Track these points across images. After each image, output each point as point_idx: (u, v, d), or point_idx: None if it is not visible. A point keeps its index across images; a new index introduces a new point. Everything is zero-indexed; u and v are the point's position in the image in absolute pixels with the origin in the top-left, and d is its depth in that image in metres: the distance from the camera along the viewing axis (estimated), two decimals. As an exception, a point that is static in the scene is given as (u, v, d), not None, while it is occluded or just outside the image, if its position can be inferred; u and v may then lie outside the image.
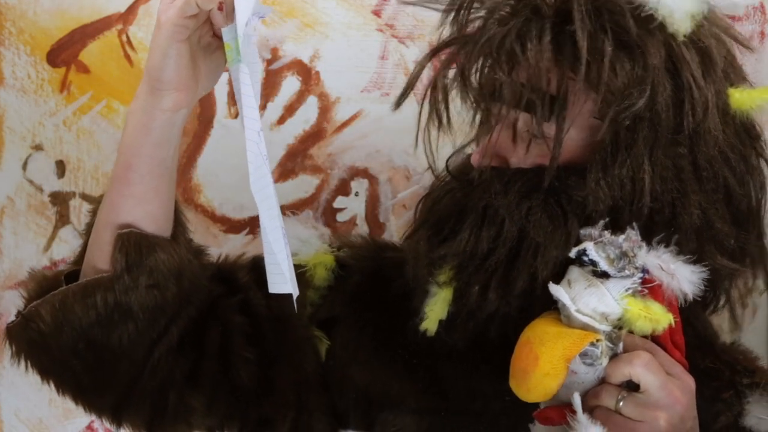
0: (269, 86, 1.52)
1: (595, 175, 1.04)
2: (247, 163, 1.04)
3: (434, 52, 1.12)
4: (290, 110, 1.53)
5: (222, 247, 1.53)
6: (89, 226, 1.15)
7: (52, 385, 1.14)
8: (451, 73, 1.10)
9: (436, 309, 1.11)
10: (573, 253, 1.01)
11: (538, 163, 1.07)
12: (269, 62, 1.51)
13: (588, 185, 1.04)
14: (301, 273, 1.19)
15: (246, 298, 1.17)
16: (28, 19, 1.48)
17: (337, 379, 1.19)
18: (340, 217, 1.56)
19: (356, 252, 1.26)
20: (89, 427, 1.53)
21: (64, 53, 1.49)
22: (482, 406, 1.13)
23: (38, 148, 1.51)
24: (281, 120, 1.53)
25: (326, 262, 1.24)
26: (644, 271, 1.01)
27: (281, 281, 1.06)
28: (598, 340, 0.99)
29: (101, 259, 1.09)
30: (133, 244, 1.08)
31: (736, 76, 1.12)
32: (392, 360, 1.17)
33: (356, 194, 1.56)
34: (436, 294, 1.11)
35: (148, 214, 1.09)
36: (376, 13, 1.52)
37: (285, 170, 1.54)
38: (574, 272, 1.01)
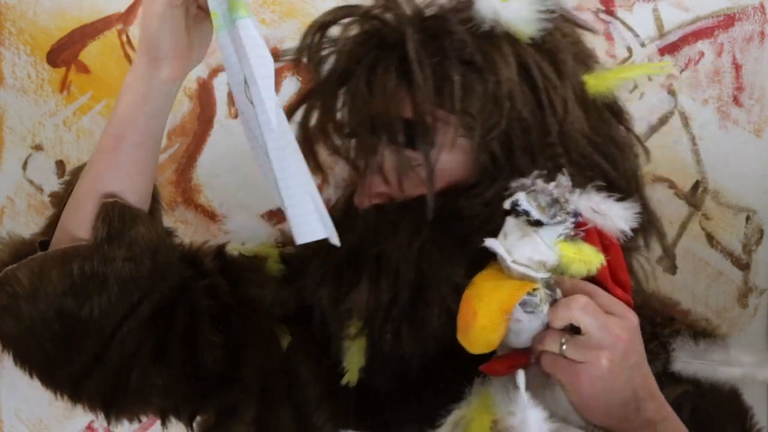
0: (269, 86, 1.52)
1: (484, 192, 1.07)
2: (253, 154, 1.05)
3: (294, 108, 1.15)
4: (290, 110, 1.53)
5: (222, 247, 1.53)
6: (59, 198, 1.15)
7: (11, 355, 1.12)
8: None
9: (354, 360, 1.13)
10: (507, 205, 1.02)
11: (420, 191, 1.09)
12: (269, 62, 1.51)
13: (479, 203, 1.07)
14: (261, 258, 1.21)
15: (213, 283, 1.17)
16: (28, 19, 1.48)
17: (292, 373, 1.19)
18: (340, 217, 1.56)
19: (301, 251, 1.22)
20: (89, 427, 1.53)
21: (64, 53, 1.49)
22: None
23: (38, 148, 1.51)
24: (281, 120, 1.53)
25: (273, 255, 1.24)
26: (577, 215, 1.02)
27: (313, 228, 1.02)
28: (535, 289, 1.00)
29: (81, 227, 1.09)
30: (117, 214, 1.08)
31: (588, 61, 1.15)
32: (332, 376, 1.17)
33: (356, 194, 1.55)
34: (350, 347, 1.13)
35: (134, 186, 1.10)
36: (376, 13, 1.52)
37: (285, 170, 1.53)
38: (509, 224, 1.02)
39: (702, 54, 1.52)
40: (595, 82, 1.13)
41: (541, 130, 1.08)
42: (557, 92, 1.09)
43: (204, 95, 1.51)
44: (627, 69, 1.18)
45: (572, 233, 1.02)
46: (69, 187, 1.15)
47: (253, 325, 1.17)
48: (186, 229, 1.52)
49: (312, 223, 1.02)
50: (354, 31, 1.13)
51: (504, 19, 1.08)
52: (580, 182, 1.06)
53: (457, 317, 1.02)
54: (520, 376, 0.98)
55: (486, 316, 0.99)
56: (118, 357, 1.10)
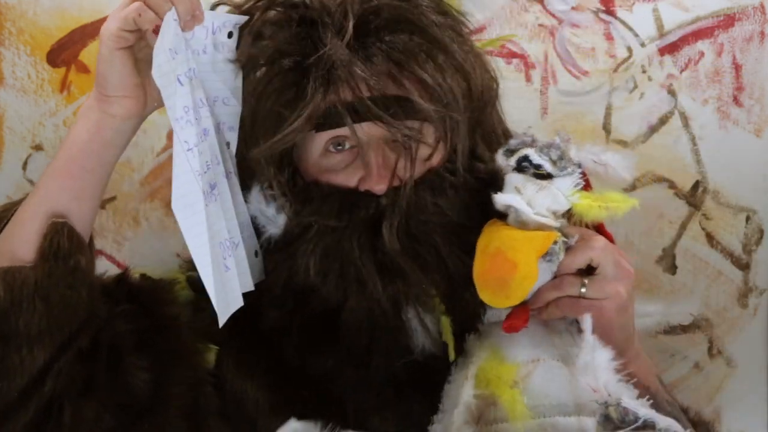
0: (269, 86, 1.52)
1: (480, 149, 1.16)
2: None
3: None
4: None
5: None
6: None
7: None
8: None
9: (448, 336, 1.14)
10: (513, 162, 1.07)
11: (428, 166, 1.13)
12: (269, 62, 1.51)
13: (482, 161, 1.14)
14: (169, 281, 1.19)
15: (126, 310, 1.14)
16: (28, 19, 1.49)
17: (228, 388, 1.18)
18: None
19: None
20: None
21: (64, 53, 1.49)
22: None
23: (38, 148, 1.51)
24: (281, 120, 1.53)
25: (181, 281, 1.22)
26: (580, 166, 1.08)
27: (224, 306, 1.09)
28: (557, 239, 1.05)
29: (23, 247, 1.08)
30: (66, 234, 1.08)
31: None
32: (284, 382, 1.17)
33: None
34: (439, 321, 1.13)
35: (81, 211, 1.10)
36: (376, 13, 1.52)
37: (285, 170, 1.53)
38: (516, 179, 1.07)
39: (702, 54, 1.52)
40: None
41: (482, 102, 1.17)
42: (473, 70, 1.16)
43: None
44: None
45: (582, 183, 1.07)
46: (7, 211, 1.13)
47: (174, 343, 1.15)
48: (186, 229, 1.52)
49: (220, 304, 1.08)
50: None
51: None
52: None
53: (484, 273, 1.05)
54: (587, 320, 1.04)
55: (527, 266, 1.03)
56: (52, 390, 1.06)
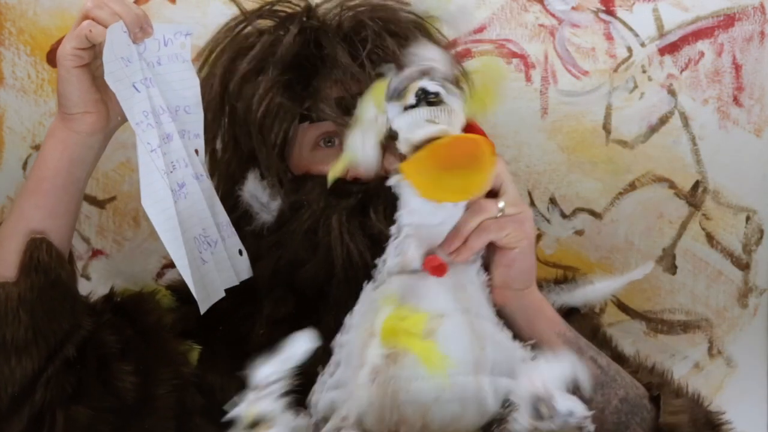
0: (269, 86, 1.52)
1: None
2: None
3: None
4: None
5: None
6: None
7: None
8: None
9: None
10: (412, 99, 1.03)
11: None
12: (269, 62, 1.51)
13: None
14: (150, 292, 1.22)
15: (112, 320, 1.17)
16: (28, 19, 1.49)
17: (205, 383, 1.19)
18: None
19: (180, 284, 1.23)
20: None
21: (64, 53, 1.49)
22: None
23: (38, 148, 1.50)
24: (281, 120, 1.53)
25: (160, 289, 1.24)
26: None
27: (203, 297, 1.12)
28: None
29: (2, 267, 1.11)
30: (45, 249, 1.11)
31: None
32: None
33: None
34: None
35: (57, 228, 1.12)
36: (376, 13, 1.52)
37: (285, 170, 1.53)
38: (423, 113, 1.03)
39: (702, 54, 1.52)
40: None
41: None
42: None
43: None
44: None
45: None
46: None
47: (157, 347, 1.17)
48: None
49: (199, 293, 1.11)
50: None
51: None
52: None
53: (440, 158, 1.02)
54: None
55: (488, 144, 1.03)
56: (43, 398, 1.09)
